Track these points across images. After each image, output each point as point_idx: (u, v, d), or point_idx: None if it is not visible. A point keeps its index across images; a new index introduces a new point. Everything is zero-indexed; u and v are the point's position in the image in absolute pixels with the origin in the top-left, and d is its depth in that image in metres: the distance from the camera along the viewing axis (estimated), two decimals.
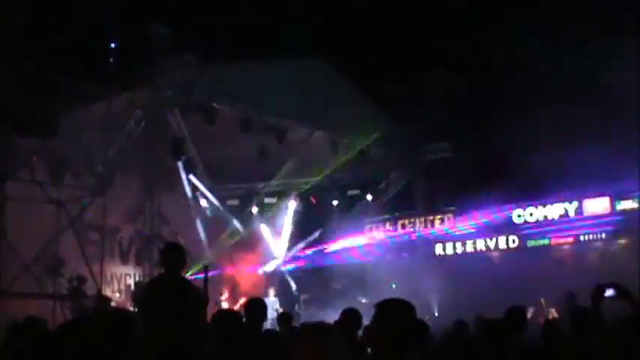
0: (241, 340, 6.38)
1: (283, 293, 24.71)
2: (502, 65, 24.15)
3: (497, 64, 24.50)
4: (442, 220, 28.85)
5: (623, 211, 25.82)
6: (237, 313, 7.32)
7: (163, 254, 7.52)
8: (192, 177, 22.25)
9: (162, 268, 7.49)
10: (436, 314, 23.83)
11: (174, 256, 7.47)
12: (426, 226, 29.12)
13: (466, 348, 8.56)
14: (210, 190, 23.50)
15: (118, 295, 22.91)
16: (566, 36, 22.32)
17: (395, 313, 4.30)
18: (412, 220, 29.10)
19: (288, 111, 21.02)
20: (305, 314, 23.25)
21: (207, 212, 23.99)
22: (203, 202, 23.62)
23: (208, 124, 19.78)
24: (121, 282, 23.92)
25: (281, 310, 19.63)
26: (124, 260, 24.28)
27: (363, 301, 21.87)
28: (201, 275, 10.70)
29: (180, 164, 21.50)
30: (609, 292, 6.47)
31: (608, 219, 26.02)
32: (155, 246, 20.80)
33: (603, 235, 26.47)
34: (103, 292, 19.58)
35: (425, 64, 25.58)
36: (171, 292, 7.04)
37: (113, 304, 19.77)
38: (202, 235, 23.81)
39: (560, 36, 22.46)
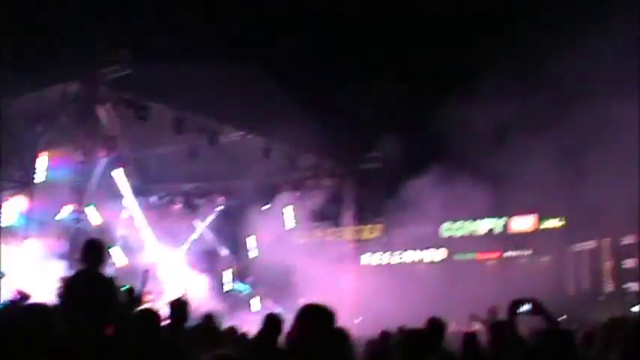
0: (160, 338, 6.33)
1: None
2: (436, 79, 24.45)
3: (431, 78, 24.80)
4: (371, 230, 29.01)
5: (548, 230, 26.32)
6: (155, 312, 7.27)
7: (83, 250, 7.42)
8: (117, 174, 21.93)
9: (83, 264, 7.38)
10: (359, 323, 23.89)
11: (95, 252, 7.38)
12: (354, 236, 29.24)
13: (387, 357, 8.63)
14: (138, 188, 23.22)
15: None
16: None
17: (316, 317, 4.29)
18: (341, 228, 29.20)
19: (222, 114, 20.90)
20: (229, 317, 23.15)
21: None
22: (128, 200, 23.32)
23: (140, 121, 19.54)
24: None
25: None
26: None
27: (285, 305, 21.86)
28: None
29: (110, 160, 21.19)
30: (526, 307, 6.58)
31: (533, 237, 26.50)
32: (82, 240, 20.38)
33: (528, 252, 26.97)
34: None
35: (361, 75, 25.69)
36: (91, 288, 6.95)
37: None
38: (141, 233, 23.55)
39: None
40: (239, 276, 27.20)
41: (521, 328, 7.41)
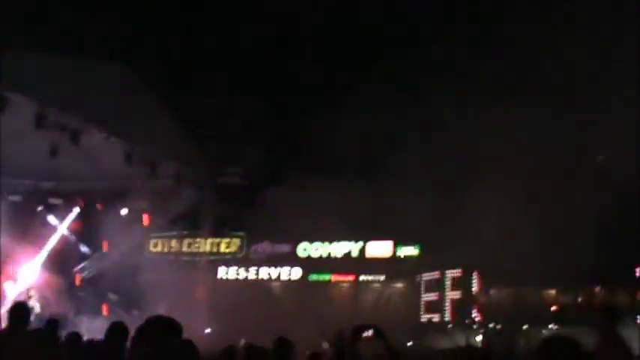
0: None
1: None
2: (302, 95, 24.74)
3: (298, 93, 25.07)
4: (228, 245, 29.01)
5: (404, 257, 26.95)
6: None
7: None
8: None
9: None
10: (208, 336, 23.70)
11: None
12: (211, 249, 29.16)
13: None
14: None
15: None
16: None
17: (158, 328, 4.23)
18: (198, 240, 29.06)
19: (86, 113, 20.38)
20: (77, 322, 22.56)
21: None
22: None
23: None
24: None
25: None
26: None
27: (135, 313, 21.55)
28: None
29: None
30: (368, 333, 6.76)
31: (388, 262, 27.08)
32: None
33: (382, 278, 27.53)
34: None
35: (228, 87, 25.70)
36: None
37: None
38: None
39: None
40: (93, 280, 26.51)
41: (364, 352, 7.58)
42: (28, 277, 24.06)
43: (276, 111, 25.70)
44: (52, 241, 25.49)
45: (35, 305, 21.12)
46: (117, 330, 7.50)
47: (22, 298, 21.02)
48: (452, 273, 25.48)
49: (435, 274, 26.03)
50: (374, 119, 21.73)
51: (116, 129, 21.46)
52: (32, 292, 22.32)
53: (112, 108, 20.49)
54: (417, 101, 21.34)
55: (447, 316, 25.41)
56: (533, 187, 20.80)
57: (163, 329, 4.20)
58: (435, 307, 25.93)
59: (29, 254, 24.83)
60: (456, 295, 25.35)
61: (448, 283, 25.66)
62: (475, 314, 24.72)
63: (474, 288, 25.15)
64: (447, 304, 25.55)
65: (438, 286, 26.00)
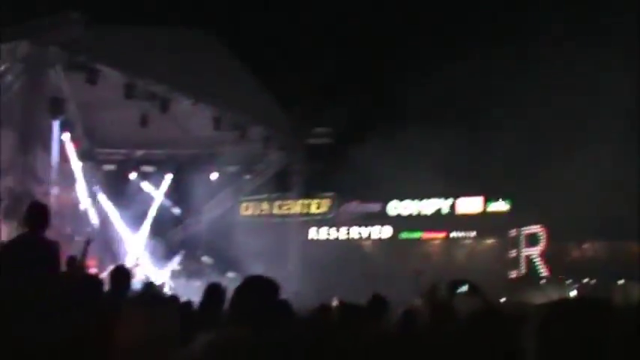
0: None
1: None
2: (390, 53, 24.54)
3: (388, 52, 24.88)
4: (318, 205, 29.10)
5: (494, 213, 26.62)
6: (98, 278, 7.24)
7: (26, 213, 7.29)
8: (65, 138, 21.63)
9: (25, 227, 7.26)
10: (303, 297, 23.94)
11: (38, 215, 7.26)
12: (301, 210, 29.31)
13: (327, 331, 8.67)
14: (87, 153, 22.96)
15: None
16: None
17: (258, 287, 4.32)
18: (289, 202, 29.26)
19: (173, 81, 20.73)
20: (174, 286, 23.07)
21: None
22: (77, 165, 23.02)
23: (91, 85, 19.28)
24: None
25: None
26: None
27: (230, 275, 21.86)
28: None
29: (55, 123, 20.88)
30: (463, 288, 6.71)
31: (479, 218, 26.78)
32: (25, 204, 20.20)
33: (473, 234, 27.27)
34: None
35: (314, 47, 25.67)
36: (31, 253, 6.86)
37: None
38: (83, 198, 23.27)
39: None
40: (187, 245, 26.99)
41: (459, 308, 7.56)
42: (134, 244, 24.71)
43: (361, 67, 25.55)
44: (153, 209, 26.08)
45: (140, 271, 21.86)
46: (214, 291, 7.65)
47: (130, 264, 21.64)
48: (543, 227, 25.06)
49: (527, 229, 25.64)
50: (461, 71, 21.37)
51: (204, 95, 21.77)
52: (139, 260, 23.01)
53: (199, 75, 20.79)
54: (510, 47, 20.76)
55: (540, 272, 25.05)
56: (632, 136, 20.12)
57: (262, 288, 4.29)
58: (527, 262, 25.59)
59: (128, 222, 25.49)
60: (548, 249, 24.97)
61: (540, 237, 25.26)
62: (567, 269, 24.29)
63: (567, 242, 24.72)
64: (538, 258, 25.19)
65: (529, 240, 25.61)
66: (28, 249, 6.90)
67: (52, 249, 7.06)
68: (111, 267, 11.86)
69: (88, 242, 9.29)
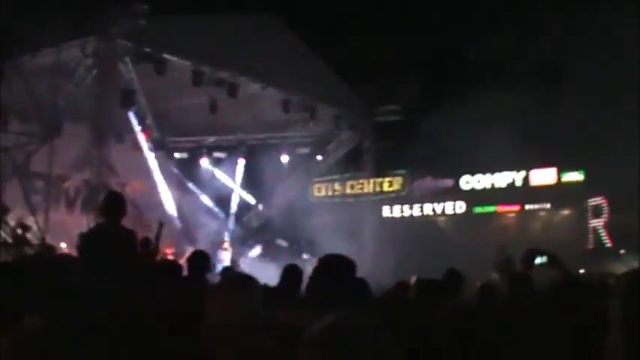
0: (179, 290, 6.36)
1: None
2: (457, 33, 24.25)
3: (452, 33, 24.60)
4: (391, 183, 28.99)
5: (569, 183, 26.17)
6: (176, 263, 7.35)
7: (103, 203, 7.46)
8: (137, 128, 22.03)
9: (102, 217, 7.43)
10: (380, 275, 23.93)
11: (114, 204, 7.41)
12: (374, 188, 29.24)
13: (404, 308, 8.67)
14: (159, 142, 23.32)
15: (64, 244, 22.68)
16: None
17: (335, 266, 4.33)
18: (361, 181, 29.22)
19: (241, 66, 20.89)
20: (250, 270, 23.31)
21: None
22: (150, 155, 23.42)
23: (159, 75, 19.55)
24: (66, 231, 23.66)
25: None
26: (70, 209, 24.00)
27: (306, 257, 21.99)
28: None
29: (127, 115, 21.26)
30: (542, 259, 6.61)
31: (553, 190, 26.35)
32: (102, 195, 20.70)
33: (548, 206, 26.87)
34: (48, 241, 19.35)
35: (378, 25, 25.52)
36: (110, 241, 7.00)
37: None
38: (160, 186, 23.70)
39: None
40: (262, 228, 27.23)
41: (537, 279, 7.46)
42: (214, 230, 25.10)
43: (428, 40, 25.29)
44: (235, 198, 26.36)
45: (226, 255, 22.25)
46: (291, 273, 7.70)
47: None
48: (620, 196, 24.51)
49: (602, 199, 25.14)
50: (532, 40, 20.97)
51: (271, 78, 21.88)
52: (226, 245, 23.32)
53: (266, 58, 20.90)
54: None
55: (605, 243, 24.57)
56: None
57: (338, 267, 4.29)
58: (605, 232, 25.11)
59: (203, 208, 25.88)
60: (627, 219, 24.42)
61: (603, 208, 24.77)
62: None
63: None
64: (616, 229, 24.68)
65: (605, 211, 25.12)
66: (107, 238, 7.05)
67: (129, 237, 7.20)
68: (189, 252, 12.07)
69: (161, 225, 9.39)
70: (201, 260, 7.79)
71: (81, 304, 3.98)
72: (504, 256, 11.70)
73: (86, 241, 7.51)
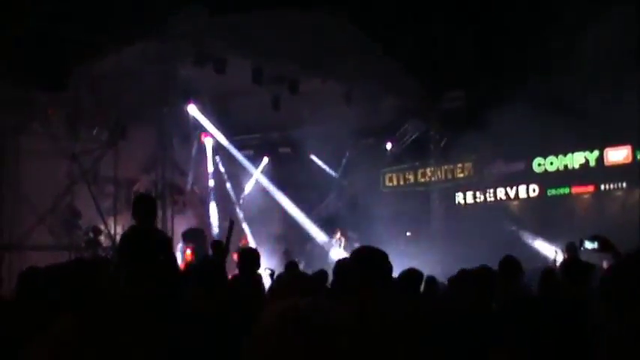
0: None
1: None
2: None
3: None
4: (462, 169, 28.75)
5: None
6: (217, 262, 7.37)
7: (134, 205, 7.51)
8: (201, 128, 22.28)
9: (134, 219, 7.48)
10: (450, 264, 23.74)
11: (145, 206, 7.46)
12: (445, 176, 29.03)
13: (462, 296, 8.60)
14: (224, 141, 23.57)
15: None
16: None
17: (365, 260, 4.29)
18: (432, 169, 29.02)
19: (300, 61, 20.90)
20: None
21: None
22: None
23: (219, 74, 19.69)
24: None
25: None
26: None
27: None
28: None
29: (191, 116, 21.49)
30: (592, 245, 6.46)
31: (629, 168, 25.78)
32: (171, 197, 21.10)
33: (624, 185, 26.28)
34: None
35: (441, 11, 25.18)
36: (143, 243, 7.05)
37: None
38: (229, 188, 24.02)
39: None
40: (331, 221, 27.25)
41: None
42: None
43: (489, 25, 24.89)
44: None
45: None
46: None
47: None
48: None
49: None
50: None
51: (332, 72, 21.85)
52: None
53: (325, 52, 20.84)
54: None
55: None
56: None
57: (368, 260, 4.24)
58: None
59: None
60: None
61: None
62: None
63: None
64: None
65: None
66: (140, 241, 7.10)
67: (162, 239, 7.25)
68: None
69: (231, 224, 9.45)
70: (251, 257, 7.80)
71: (112, 305, 4.02)
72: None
73: (121, 244, 7.58)
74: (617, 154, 26.14)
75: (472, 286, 6.92)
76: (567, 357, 3.43)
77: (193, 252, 20.90)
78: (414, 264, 8.24)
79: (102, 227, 20.02)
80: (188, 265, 11.86)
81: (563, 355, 3.50)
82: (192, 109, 21.63)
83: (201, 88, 20.77)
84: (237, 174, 25.36)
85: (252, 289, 7.26)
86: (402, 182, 29.90)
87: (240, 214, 25.14)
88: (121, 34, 18.21)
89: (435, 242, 23.31)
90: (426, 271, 9.15)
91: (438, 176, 29.07)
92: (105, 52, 18.48)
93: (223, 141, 23.91)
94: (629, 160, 25.85)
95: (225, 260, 8.22)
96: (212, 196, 25.01)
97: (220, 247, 11.40)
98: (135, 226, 7.49)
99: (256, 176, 26.01)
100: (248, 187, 25.98)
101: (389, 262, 4.27)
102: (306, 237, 25.57)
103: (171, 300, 5.77)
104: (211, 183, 24.90)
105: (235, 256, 9.61)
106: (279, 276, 9.02)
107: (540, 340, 3.55)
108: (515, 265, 8.63)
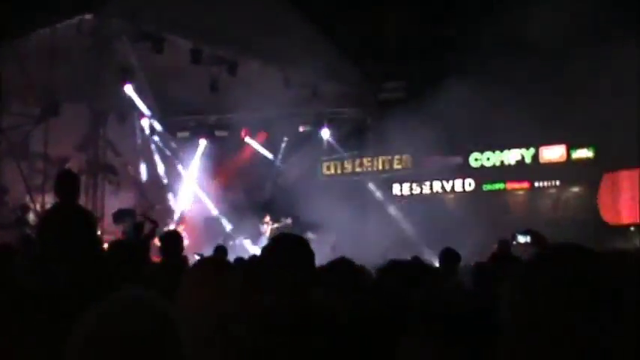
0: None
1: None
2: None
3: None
4: (400, 161, 28.80)
5: (578, 160, 25.94)
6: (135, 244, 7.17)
7: (56, 183, 7.20)
8: (137, 108, 21.84)
9: (57, 197, 7.17)
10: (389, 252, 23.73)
11: (68, 184, 7.17)
12: (383, 166, 29.04)
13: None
14: (159, 121, 23.14)
15: None
16: None
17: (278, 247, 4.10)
18: (370, 159, 29.01)
19: (240, 43, 20.63)
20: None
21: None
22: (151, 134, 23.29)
23: (157, 54, 19.30)
24: None
25: None
26: None
27: (310, 236, 21.81)
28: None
29: (126, 94, 21.04)
30: (524, 239, 6.44)
31: (563, 167, 26.13)
32: (105, 177, 20.70)
33: (557, 183, 26.63)
34: None
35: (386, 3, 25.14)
36: (65, 222, 6.76)
37: None
38: (159, 168, 23.63)
39: None
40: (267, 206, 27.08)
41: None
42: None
43: (431, 17, 24.89)
44: None
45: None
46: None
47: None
48: (630, 172, 24.21)
49: (612, 175, 24.88)
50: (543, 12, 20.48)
51: (272, 56, 21.62)
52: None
53: (266, 36, 20.59)
54: None
55: (628, 220, 24.21)
56: None
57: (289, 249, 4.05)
58: (614, 209, 24.83)
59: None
60: (635, 196, 24.10)
61: (626, 183, 24.45)
62: None
63: None
64: (626, 206, 24.37)
65: (615, 187, 24.86)
66: (62, 219, 6.82)
67: (85, 217, 6.99)
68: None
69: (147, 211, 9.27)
70: (175, 240, 7.58)
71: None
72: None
73: (41, 223, 7.29)
74: (553, 153, 26.50)
75: (402, 279, 6.77)
76: (476, 351, 3.30)
77: (124, 233, 20.52)
78: (348, 253, 8.08)
79: (30, 205, 19.52)
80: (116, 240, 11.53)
81: (471, 348, 3.37)
82: (129, 89, 21.14)
83: (139, 67, 20.29)
84: (173, 156, 24.94)
85: (170, 273, 6.98)
86: (339, 171, 29.86)
87: (173, 200, 24.85)
88: (56, 8, 17.75)
89: (369, 233, 23.27)
90: (360, 261, 9.00)
91: (375, 166, 29.06)
92: (38, 26, 18.00)
93: (158, 123, 23.47)
94: (564, 158, 26.24)
95: (146, 242, 8.02)
96: (146, 178, 24.64)
97: (141, 229, 11.21)
98: (57, 204, 7.19)
99: (193, 161, 25.64)
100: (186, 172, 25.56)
101: (309, 251, 4.07)
102: (238, 220, 25.31)
103: (87, 286, 5.52)
104: (144, 165, 24.48)
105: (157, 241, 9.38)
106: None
107: (450, 333, 3.46)
108: (454, 257, 8.60)
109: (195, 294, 3.41)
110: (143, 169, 24.52)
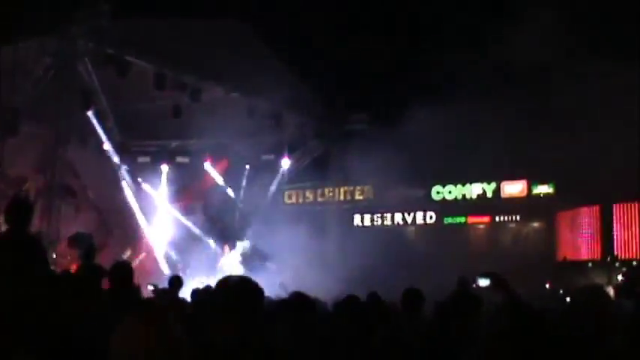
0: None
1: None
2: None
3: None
4: (362, 192, 28.86)
5: (539, 196, 26.17)
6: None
7: (7, 210, 6.98)
8: (99, 131, 21.53)
9: (7, 225, 6.96)
10: (347, 285, 23.57)
11: (20, 211, 6.97)
12: (345, 197, 29.06)
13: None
14: (121, 145, 22.85)
15: None
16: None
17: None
18: (332, 189, 29.00)
19: (204, 70, 20.54)
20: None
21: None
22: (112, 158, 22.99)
23: (120, 77, 19.09)
24: None
25: None
26: None
27: (270, 266, 21.69)
28: None
29: (88, 117, 20.77)
30: (485, 282, 6.35)
31: (523, 202, 26.34)
32: (63, 199, 20.40)
33: (518, 217, 26.83)
34: None
35: (346, 34, 25.23)
36: (15, 250, 6.57)
37: None
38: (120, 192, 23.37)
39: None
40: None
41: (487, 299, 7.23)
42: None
43: (395, 50, 25.02)
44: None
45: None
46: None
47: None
48: (589, 209, 24.46)
49: (572, 212, 25.13)
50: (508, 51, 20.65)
51: (235, 84, 21.55)
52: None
53: (230, 64, 20.51)
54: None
55: (587, 255, 24.40)
56: None
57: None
58: (573, 245, 25.05)
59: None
60: (593, 232, 24.34)
61: (585, 220, 24.68)
62: (615, 252, 23.57)
63: (614, 224, 23.96)
64: (584, 242, 24.61)
65: (575, 223, 25.11)
66: (10, 246, 6.64)
67: (34, 245, 6.81)
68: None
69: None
70: (122, 272, 7.22)
71: None
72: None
73: None
74: (513, 188, 26.73)
75: (358, 316, 6.65)
76: None
77: (79, 258, 20.17)
78: (307, 283, 7.92)
79: None
80: (64, 271, 11.28)
81: None
82: (91, 112, 20.86)
83: (101, 89, 20.06)
84: (134, 181, 24.60)
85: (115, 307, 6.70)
86: (301, 200, 29.83)
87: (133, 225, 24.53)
88: (19, 28, 17.47)
89: (328, 263, 23.14)
90: (316, 293, 8.84)
91: (337, 197, 29.07)
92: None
93: (119, 147, 23.14)
94: (524, 193, 26.49)
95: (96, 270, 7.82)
96: (106, 202, 24.32)
97: (92, 256, 10.99)
98: (6, 231, 6.97)
99: (158, 186, 25.32)
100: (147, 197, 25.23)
101: (256, 296, 3.93)
102: (197, 247, 25.01)
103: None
104: (105, 188, 24.15)
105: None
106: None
107: None
108: (417, 298, 8.46)
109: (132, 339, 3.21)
110: (103, 192, 24.18)
